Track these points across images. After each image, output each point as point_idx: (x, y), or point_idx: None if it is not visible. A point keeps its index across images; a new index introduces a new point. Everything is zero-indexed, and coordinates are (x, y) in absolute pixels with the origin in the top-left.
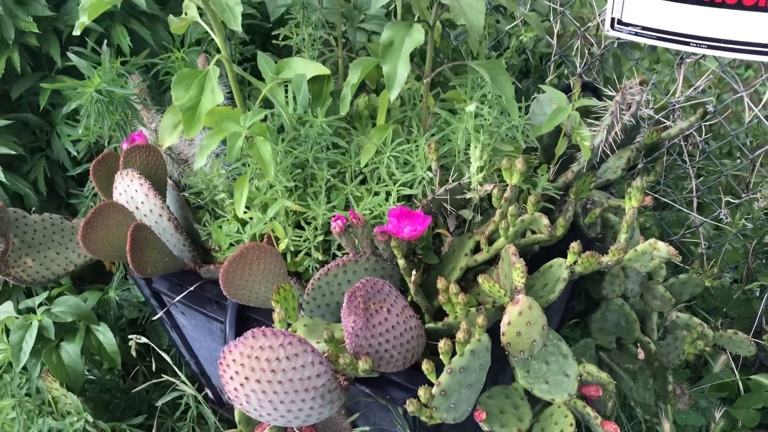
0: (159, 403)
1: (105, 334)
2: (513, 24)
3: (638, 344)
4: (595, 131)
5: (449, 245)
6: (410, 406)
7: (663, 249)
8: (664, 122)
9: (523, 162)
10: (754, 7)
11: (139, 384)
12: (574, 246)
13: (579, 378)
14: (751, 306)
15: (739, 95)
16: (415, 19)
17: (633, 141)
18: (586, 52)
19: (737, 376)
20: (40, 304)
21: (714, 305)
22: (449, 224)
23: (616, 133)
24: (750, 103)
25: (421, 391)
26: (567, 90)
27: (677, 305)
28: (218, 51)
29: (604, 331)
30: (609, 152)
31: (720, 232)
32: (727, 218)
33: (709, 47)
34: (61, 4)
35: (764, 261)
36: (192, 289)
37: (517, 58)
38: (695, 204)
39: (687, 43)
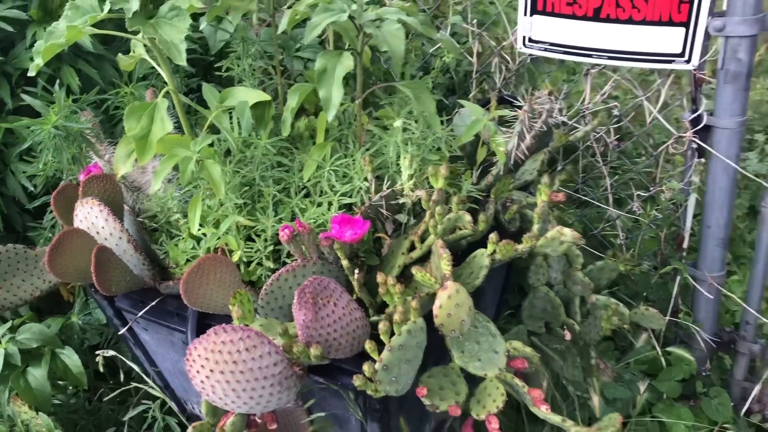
0: (126, 417)
1: (70, 357)
2: (437, 46)
3: (564, 326)
4: (509, 138)
5: (388, 247)
6: (357, 381)
7: (568, 234)
8: (577, 127)
9: (446, 168)
10: (643, 21)
11: (105, 404)
12: (493, 236)
13: (507, 353)
14: (667, 288)
15: (639, 99)
16: (346, 47)
17: (546, 145)
18: (504, 68)
19: (659, 351)
20: (4, 334)
21: (635, 290)
22: (387, 228)
23: (530, 138)
24: (649, 106)
25: (366, 366)
26: (488, 103)
27: (598, 290)
28: (165, 84)
29: (533, 318)
30: (525, 156)
31: (636, 223)
32: (639, 210)
33: (609, 58)
34: (8, 49)
35: (674, 247)
36: (153, 304)
37: (442, 77)
38: (611, 200)
39: (590, 55)
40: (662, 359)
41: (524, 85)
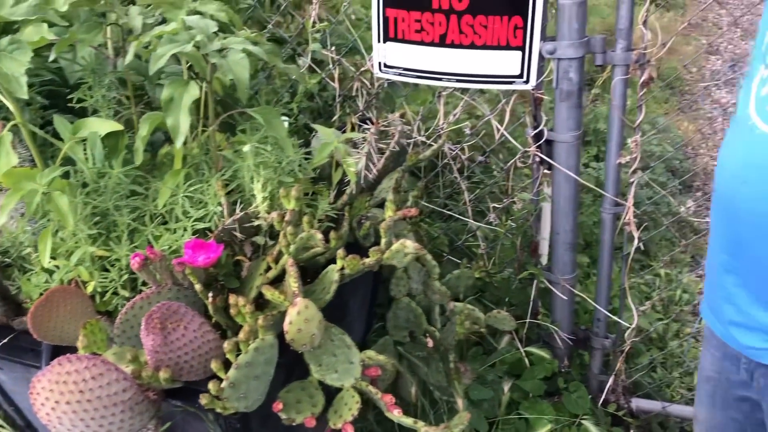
0: None
1: None
2: (299, 72)
3: (426, 334)
4: (358, 159)
5: (247, 269)
6: (203, 399)
7: (410, 246)
8: (432, 145)
9: (298, 190)
10: (484, 46)
11: None
12: (340, 252)
13: (362, 363)
14: (527, 293)
15: (487, 117)
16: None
17: (401, 164)
18: (365, 92)
19: (522, 352)
20: None
21: (498, 296)
22: (246, 251)
23: (384, 158)
24: (496, 124)
25: (211, 385)
26: (351, 126)
27: (457, 297)
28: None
29: (398, 327)
30: (380, 175)
31: (496, 233)
32: (496, 221)
33: (457, 80)
34: None
35: (530, 254)
36: (5, 341)
37: (306, 101)
38: (470, 212)
39: (439, 79)
40: (525, 359)
41: (386, 107)
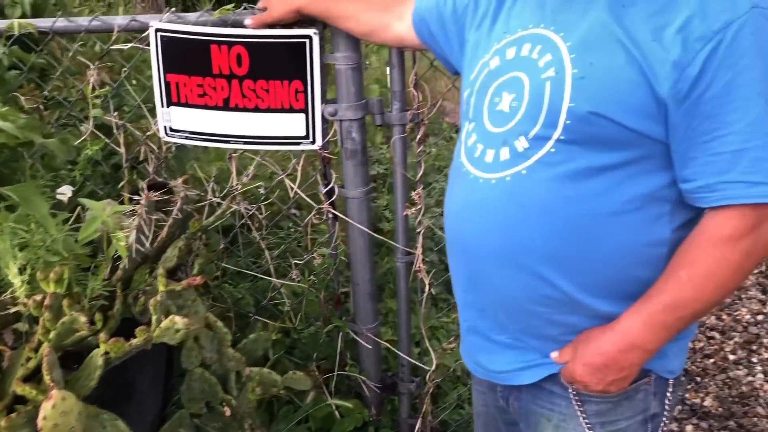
0: None
1: None
2: (81, 138)
3: (223, 403)
4: (127, 234)
5: (9, 359)
6: None
7: (180, 322)
8: (231, 206)
9: (57, 272)
10: (268, 109)
11: None
12: (102, 336)
13: None
14: (334, 345)
15: (280, 177)
16: None
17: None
18: (153, 156)
19: (332, 405)
20: None
21: (307, 352)
22: (7, 340)
23: (167, 227)
24: (290, 183)
25: None
26: (135, 193)
27: (256, 360)
28: None
29: (193, 400)
30: (164, 245)
31: (300, 289)
32: (299, 278)
33: (245, 143)
34: None
35: (334, 307)
36: None
37: (90, 168)
38: (273, 270)
39: (227, 141)
40: (336, 412)
41: (177, 170)
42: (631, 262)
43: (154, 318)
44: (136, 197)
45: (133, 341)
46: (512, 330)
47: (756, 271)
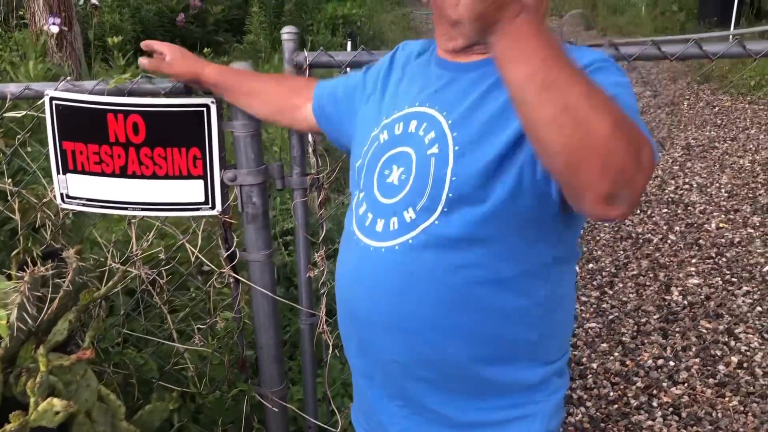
0: None
1: None
2: None
3: None
4: (9, 311)
5: None
6: None
7: (59, 404)
8: (131, 271)
9: None
10: (167, 176)
11: None
12: None
13: None
14: (240, 409)
15: (181, 241)
16: None
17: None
18: (50, 223)
19: None
20: None
21: (213, 417)
22: None
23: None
24: (191, 248)
25: None
26: (26, 263)
27: (173, 424)
28: None
29: None
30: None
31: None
32: (202, 342)
33: (143, 209)
34: None
35: (237, 370)
36: None
37: None
38: (175, 335)
39: (125, 208)
40: None
41: (75, 237)
42: (513, 326)
43: (32, 400)
44: (25, 269)
45: (7, 427)
46: (402, 396)
47: (656, 316)
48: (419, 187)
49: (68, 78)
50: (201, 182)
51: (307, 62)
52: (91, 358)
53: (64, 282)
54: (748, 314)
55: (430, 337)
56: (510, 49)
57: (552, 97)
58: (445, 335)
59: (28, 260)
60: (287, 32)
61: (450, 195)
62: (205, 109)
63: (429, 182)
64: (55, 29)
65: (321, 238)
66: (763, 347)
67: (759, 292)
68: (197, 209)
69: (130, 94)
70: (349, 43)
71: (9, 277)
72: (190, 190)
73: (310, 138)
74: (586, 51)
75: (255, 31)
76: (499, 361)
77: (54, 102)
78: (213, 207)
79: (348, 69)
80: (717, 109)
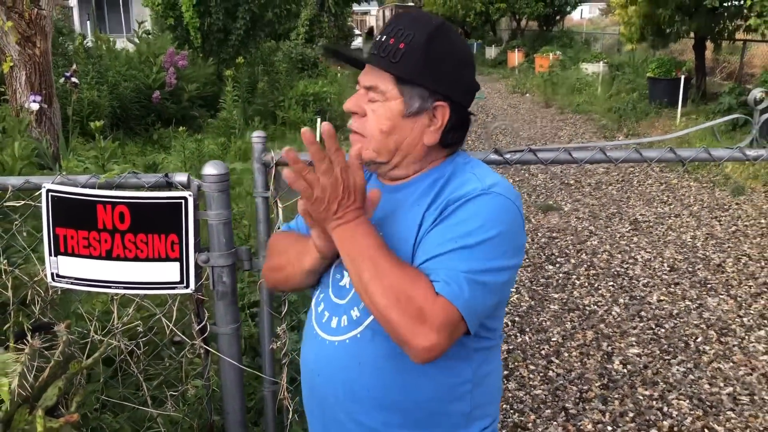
0: None
1: None
2: None
3: None
4: (11, 379)
5: None
6: None
7: None
8: (111, 343)
9: None
10: (147, 259)
11: None
12: None
13: None
14: None
15: (158, 316)
16: None
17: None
18: (39, 299)
19: None
20: None
21: None
22: None
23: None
24: (166, 321)
25: None
26: (21, 335)
27: None
28: None
29: None
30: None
31: (175, 418)
32: (173, 408)
33: (125, 288)
34: None
35: None
36: None
37: None
38: (149, 401)
39: (109, 287)
40: None
41: (62, 312)
42: (444, 400)
43: None
44: (22, 343)
45: None
46: None
47: (597, 383)
48: None
49: (48, 148)
50: (177, 264)
51: (274, 161)
52: (77, 421)
53: (54, 353)
54: (682, 381)
55: (378, 415)
56: (336, 238)
57: (354, 274)
58: (390, 412)
59: (21, 332)
60: (257, 136)
61: None
62: (183, 200)
63: None
64: (35, 106)
65: (283, 313)
66: (692, 412)
67: (692, 362)
68: (173, 288)
69: (118, 187)
70: (318, 120)
71: (6, 348)
72: (168, 271)
73: (276, 225)
74: (470, 177)
75: (229, 108)
76: (438, 429)
77: (50, 194)
78: (187, 286)
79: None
80: (664, 186)
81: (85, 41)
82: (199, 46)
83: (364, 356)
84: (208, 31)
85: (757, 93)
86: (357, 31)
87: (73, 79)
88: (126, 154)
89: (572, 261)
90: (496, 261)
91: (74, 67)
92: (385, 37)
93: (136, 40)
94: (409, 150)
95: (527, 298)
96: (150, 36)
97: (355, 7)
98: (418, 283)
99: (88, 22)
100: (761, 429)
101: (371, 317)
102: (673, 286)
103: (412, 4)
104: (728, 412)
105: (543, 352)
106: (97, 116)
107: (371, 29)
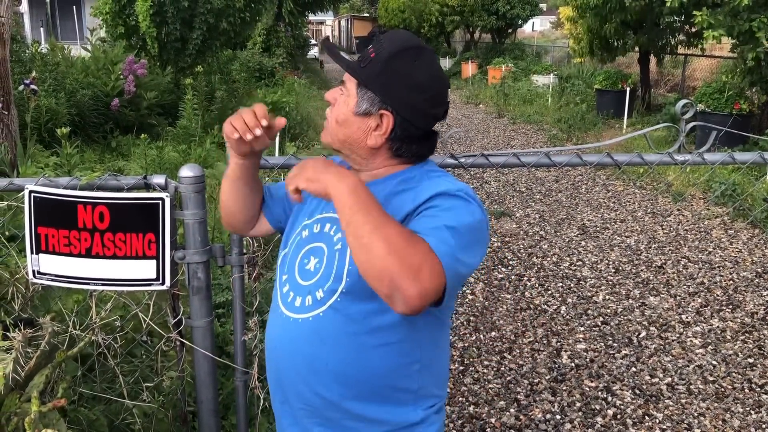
0: None
1: None
2: None
3: None
4: (5, 365)
5: None
6: None
7: None
8: (92, 338)
9: None
10: (125, 257)
11: None
12: None
13: None
14: None
15: (135, 311)
16: None
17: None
18: (20, 295)
19: None
20: None
21: None
22: None
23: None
24: (143, 316)
25: None
26: (4, 329)
27: None
28: None
29: None
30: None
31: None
32: (149, 399)
33: (104, 285)
34: None
35: (179, 424)
36: None
37: None
38: (126, 393)
39: (88, 283)
40: None
41: (42, 307)
42: (395, 377)
43: None
44: (9, 334)
45: None
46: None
47: (547, 377)
48: (327, 273)
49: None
50: (154, 262)
51: None
52: (64, 406)
53: (35, 346)
54: (624, 374)
55: (336, 387)
56: (333, 198)
57: (351, 231)
58: (346, 384)
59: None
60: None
61: (348, 279)
62: (160, 201)
63: (333, 270)
64: None
65: (255, 306)
66: (634, 401)
67: (635, 355)
68: (149, 284)
69: (99, 189)
70: (277, 140)
71: None
72: (145, 269)
73: None
74: (439, 180)
75: (188, 116)
76: (380, 402)
77: (33, 195)
78: (163, 283)
79: (279, 170)
80: (611, 193)
81: (39, 48)
82: (156, 54)
83: (325, 333)
84: (165, 41)
85: (681, 105)
86: (313, 41)
87: (33, 87)
88: (85, 161)
89: (524, 264)
90: (473, 245)
91: (33, 74)
92: (371, 47)
93: (89, 48)
94: (355, 145)
95: (482, 299)
96: (105, 44)
97: (311, 17)
98: (415, 236)
99: (41, 29)
100: (696, 415)
101: (334, 297)
102: (617, 286)
103: (367, 15)
104: (666, 401)
105: (497, 348)
106: (55, 123)
107: (327, 38)
